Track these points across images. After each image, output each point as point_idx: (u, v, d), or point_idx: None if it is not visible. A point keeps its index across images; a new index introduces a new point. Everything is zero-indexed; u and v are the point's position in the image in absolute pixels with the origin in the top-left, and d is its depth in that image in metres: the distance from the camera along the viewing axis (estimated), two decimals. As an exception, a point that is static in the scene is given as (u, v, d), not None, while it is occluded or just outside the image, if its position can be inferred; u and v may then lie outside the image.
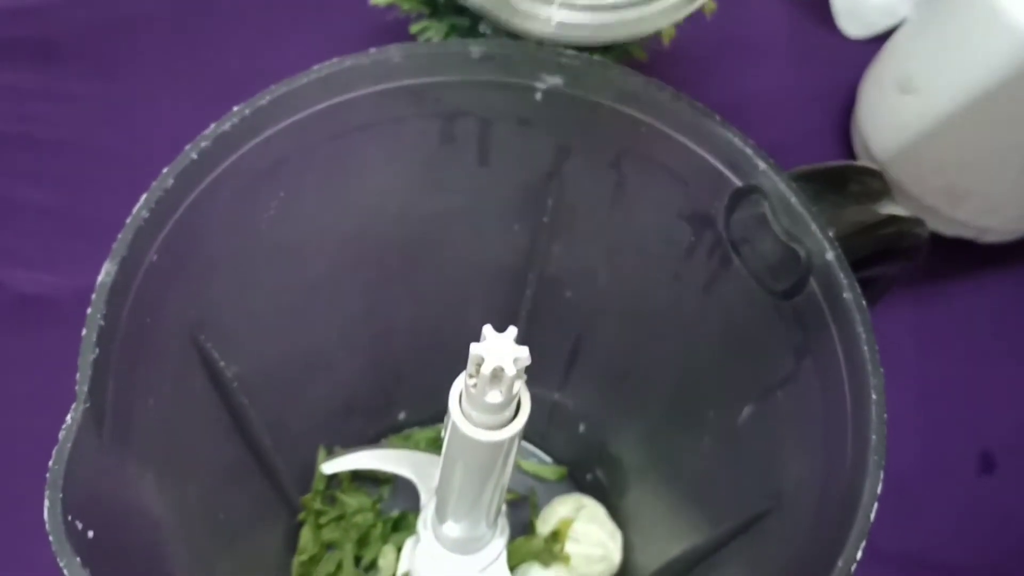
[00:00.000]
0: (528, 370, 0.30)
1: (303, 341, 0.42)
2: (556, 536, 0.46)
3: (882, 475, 0.29)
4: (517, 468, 0.49)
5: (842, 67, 0.65)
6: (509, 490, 0.45)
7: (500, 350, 0.29)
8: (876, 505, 0.28)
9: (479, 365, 0.29)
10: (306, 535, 0.47)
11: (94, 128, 0.61)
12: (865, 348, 0.30)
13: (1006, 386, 0.57)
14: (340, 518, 0.48)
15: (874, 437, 0.29)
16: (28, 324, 0.55)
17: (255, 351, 0.39)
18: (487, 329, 0.29)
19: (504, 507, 0.42)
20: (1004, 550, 0.52)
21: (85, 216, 0.58)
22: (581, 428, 0.49)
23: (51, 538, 0.25)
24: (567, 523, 0.46)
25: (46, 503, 0.26)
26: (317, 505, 0.47)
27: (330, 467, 0.46)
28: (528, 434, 0.49)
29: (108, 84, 0.63)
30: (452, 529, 0.40)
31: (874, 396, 0.29)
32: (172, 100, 0.62)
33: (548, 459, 0.51)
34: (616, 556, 0.46)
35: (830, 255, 0.31)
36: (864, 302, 0.31)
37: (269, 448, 0.42)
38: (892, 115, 0.59)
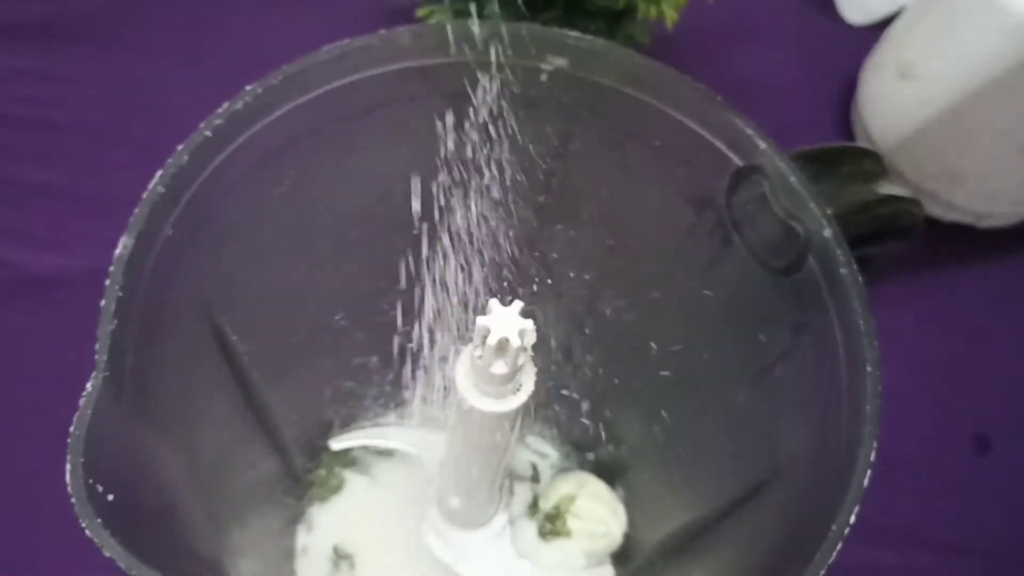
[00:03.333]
0: (531, 349, 0.31)
1: (312, 319, 0.42)
2: (558, 512, 0.46)
3: (876, 445, 0.29)
4: (521, 446, 0.50)
5: (843, 53, 0.66)
6: (512, 470, 0.46)
7: (506, 322, 0.30)
8: (869, 472, 0.29)
9: (485, 337, 0.30)
10: (314, 510, 0.48)
11: (99, 109, 0.62)
12: (861, 322, 0.31)
13: (1003, 369, 0.58)
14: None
15: (868, 407, 0.30)
16: (36, 303, 0.56)
17: (266, 327, 0.39)
18: (493, 302, 0.30)
19: (508, 482, 0.43)
20: (998, 530, 0.53)
21: (92, 196, 0.58)
22: (584, 406, 0.49)
23: (73, 500, 0.26)
24: (569, 500, 0.46)
25: (68, 467, 0.27)
26: (324, 480, 0.48)
27: (338, 443, 0.47)
28: (532, 413, 0.50)
29: (113, 65, 0.63)
30: (457, 504, 0.41)
31: (869, 368, 0.30)
32: (177, 81, 0.62)
33: (551, 438, 0.52)
34: (618, 532, 0.47)
35: (828, 232, 0.32)
36: (860, 277, 0.32)
37: (278, 423, 0.43)
38: (891, 101, 0.60)
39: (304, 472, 0.48)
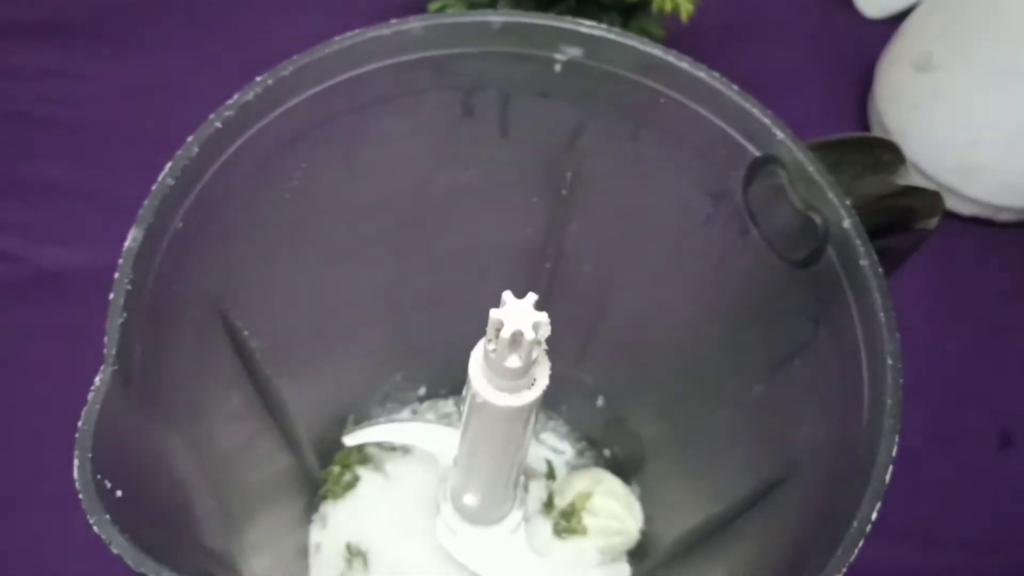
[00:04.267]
0: (546, 343, 0.31)
1: (324, 314, 0.42)
2: (573, 510, 0.46)
3: (897, 439, 0.29)
4: (536, 442, 0.50)
5: (860, 46, 0.65)
6: (528, 467, 0.45)
7: (520, 315, 0.29)
8: (891, 468, 0.28)
9: (499, 330, 0.29)
10: (327, 507, 0.48)
11: (112, 106, 0.62)
12: (882, 314, 0.30)
13: (1024, 364, 0.57)
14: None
15: (890, 401, 0.29)
16: (48, 299, 0.56)
17: (277, 322, 0.39)
18: (507, 295, 0.30)
19: (523, 479, 0.42)
20: (1022, 527, 0.53)
21: (104, 193, 0.58)
22: (599, 402, 0.49)
23: (81, 496, 0.26)
24: (584, 497, 0.46)
25: (75, 462, 0.26)
26: (338, 477, 0.48)
27: (351, 439, 0.47)
28: (547, 409, 0.50)
29: (125, 63, 0.64)
30: (471, 501, 0.41)
31: (890, 361, 0.30)
32: (189, 78, 0.62)
33: (566, 434, 0.51)
34: (634, 529, 0.46)
35: (847, 223, 0.32)
36: (880, 269, 0.31)
37: (292, 419, 0.43)
38: (908, 93, 0.59)
39: (318, 468, 0.47)
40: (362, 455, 0.48)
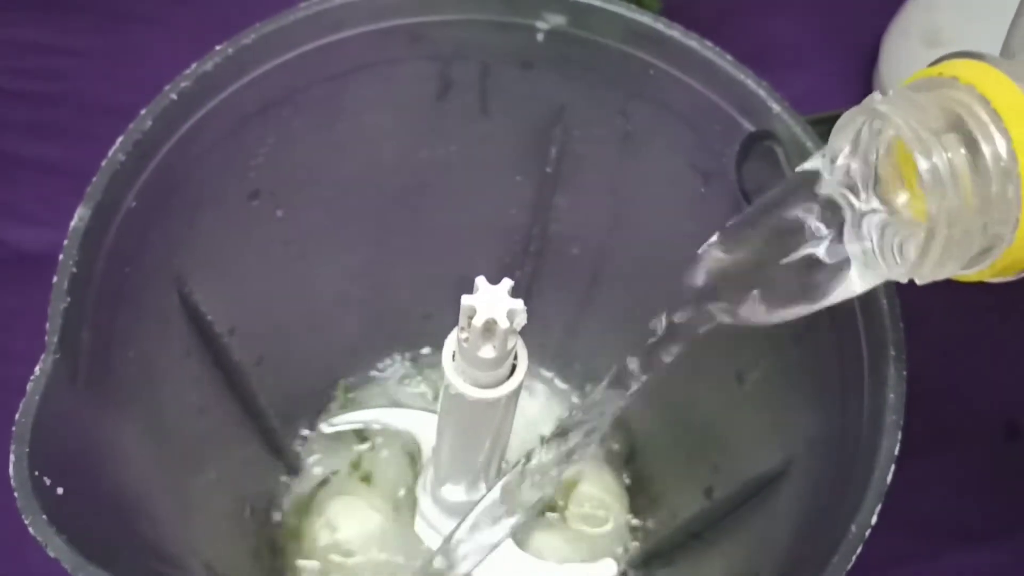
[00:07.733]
0: (533, 329, 0.29)
1: (298, 297, 0.41)
2: (559, 498, 0.45)
3: (900, 436, 0.27)
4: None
5: (866, 17, 0.63)
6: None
7: (493, 302, 0.28)
8: (893, 467, 0.27)
9: (471, 318, 0.28)
10: (303, 497, 0.46)
11: (96, 83, 0.60)
12: (884, 301, 0.29)
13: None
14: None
15: (892, 395, 0.28)
16: (29, 281, 0.54)
17: (246, 306, 0.38)
18: (480, 280, 0.28)
19: (506, 467, 0.41)
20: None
21: (87, 172, 0.56)
22: (588, 389, 0.48)
23: (16, 494, 0.24)
24: (571, 485, 0.45)
25: (11, 457, 0.25)
26: (314, 465, 0.46)
27: (330, 427, 0.46)
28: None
29: (110, 38, 0.62)
30: (451, 492, 0.40)
31: (892, 352, 0.28)
32: (175, 53, 0.60)
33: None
34: (622, 521, 0.45)
35: (847, 203, 0.30)
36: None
37: (264, 407, 0.41)
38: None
39: (293, 457, 0.46)
40: (341, 442, 0.47)
